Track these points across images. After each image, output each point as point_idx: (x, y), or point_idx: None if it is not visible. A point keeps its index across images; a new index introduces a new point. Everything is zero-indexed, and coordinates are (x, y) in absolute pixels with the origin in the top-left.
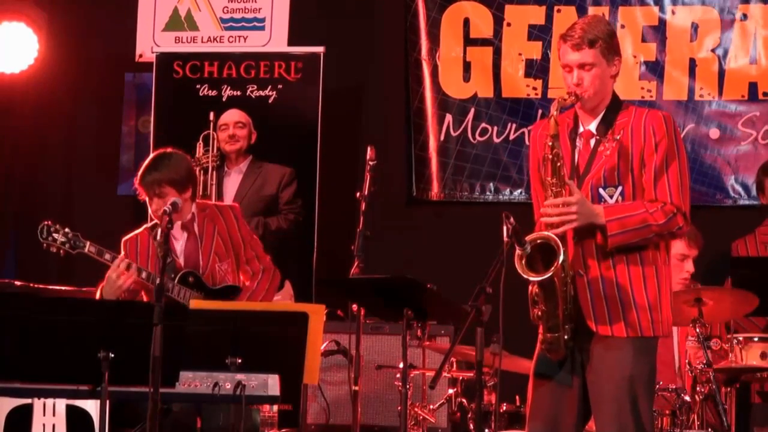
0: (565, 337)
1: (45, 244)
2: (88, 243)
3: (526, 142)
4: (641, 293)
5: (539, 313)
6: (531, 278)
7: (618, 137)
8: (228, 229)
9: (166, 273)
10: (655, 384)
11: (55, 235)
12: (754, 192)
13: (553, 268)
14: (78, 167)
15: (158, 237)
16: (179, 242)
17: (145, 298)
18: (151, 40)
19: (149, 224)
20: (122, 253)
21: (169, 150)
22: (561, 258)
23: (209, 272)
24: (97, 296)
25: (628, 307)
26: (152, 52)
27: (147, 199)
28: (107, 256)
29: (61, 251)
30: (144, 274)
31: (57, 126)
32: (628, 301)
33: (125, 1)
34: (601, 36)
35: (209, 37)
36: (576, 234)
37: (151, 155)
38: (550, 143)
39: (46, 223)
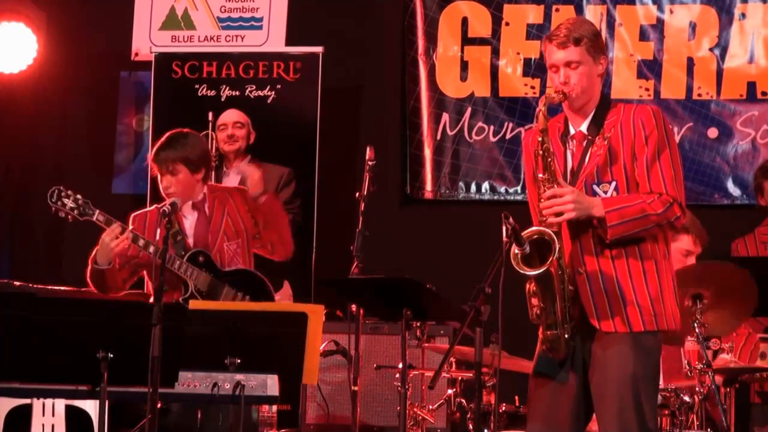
0: (566, 335)
1: (54, 208)
2: (97, 211)
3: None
4: (642, 287)
5: (537, 311)
6: (526, 273)
7: (608, 135)
8: (238, 210)
9: (174, 251)
10: (659, 382)
11: (65, 200)
12: (752, 192)
13: (548, 262)
14: (73, 165)
15: (157, 237)
16: (188, 221)
17: (146, 276)
18: (148, 39)
19: (161, 204)
20: (130, 226)
21: (186, 130)
22: (557, 252)
23: (217, 251)
24: (90, 261)
25: (629, 302)
26: (150, 52)
27: (159, 175)
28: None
29: (69, 216)
30: (142, 242)
31: (54, 125)
32: (629, 295)
33: (123, 0)
34: (586, 34)
35: (206, 36)
36: (573, 230)
37: (168, 133)
38: (540, 138)
39: (57, 187)
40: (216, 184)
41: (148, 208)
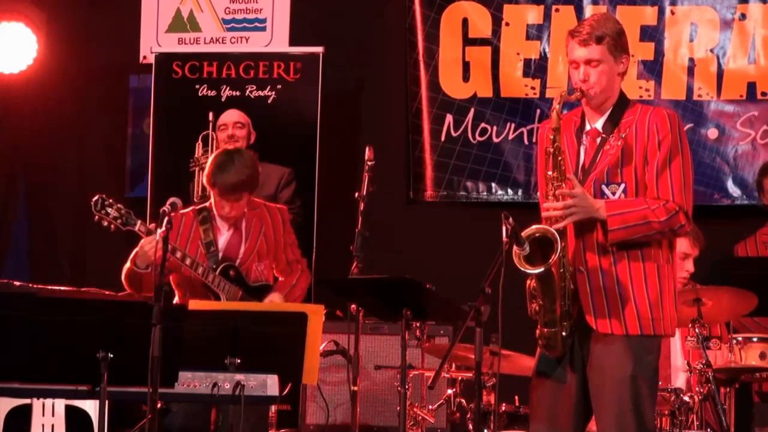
0: (563, 333)
1: (97, 216)
2: (139, 222)
3: (525, 141)
4: (642, 290)
5: (536, 308)
6: (529, 271)
7: (623, 135)
8: (274, 231)
9: (207, 263)
10: (658, 384)
11: (109, 209)
12: (752, 192)
13: (550, 260)
14: (82, 166)
15: (158, 237)
16: (223, 235)
17: (173, 282)
18: (155, 42)
19: (197, 206)
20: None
21: (235, 147)
22: (559, 250)
23: (245, 269)
24: (128, 264)
25: (627, 304)
26: (151, 52)
27: (213, 195)
28: None
29: (113, 225)
30: (179, 254)
31: (59, 127)
32: (628, 297)
33: (126, 3)
34: (608, 33)
35: (212, 38)
36: (576, 229)
37: (218, 153)
38: (552, 136)
39: (100, 195)
40: (256, 199)
41: (184, 210)
